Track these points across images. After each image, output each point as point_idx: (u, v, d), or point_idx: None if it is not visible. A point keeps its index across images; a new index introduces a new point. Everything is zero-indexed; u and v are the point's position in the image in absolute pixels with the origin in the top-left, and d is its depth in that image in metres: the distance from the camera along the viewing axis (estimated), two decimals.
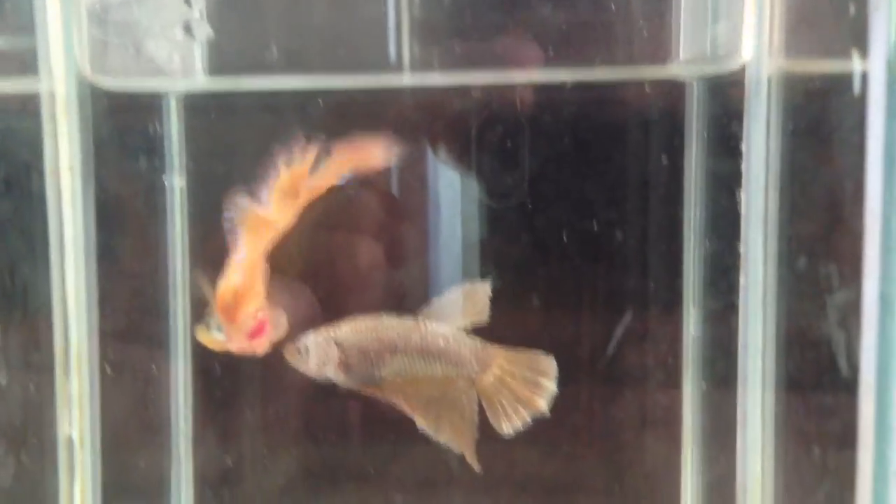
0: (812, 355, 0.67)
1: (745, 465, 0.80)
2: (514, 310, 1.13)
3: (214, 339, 0.73)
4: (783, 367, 0.74)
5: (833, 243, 0.62)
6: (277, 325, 0.75)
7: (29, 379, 0.81)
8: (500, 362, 0.78)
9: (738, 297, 0.81)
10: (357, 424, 1.10)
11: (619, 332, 1.03)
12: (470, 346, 0.77)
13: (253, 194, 0.75)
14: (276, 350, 0.84)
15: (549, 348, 1.11)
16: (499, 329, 1.07)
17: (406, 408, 0.76)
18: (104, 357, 0.84)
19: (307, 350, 0.76)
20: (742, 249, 0.77)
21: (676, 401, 1.11)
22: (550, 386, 0.81)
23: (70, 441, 0.78)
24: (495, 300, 0.89)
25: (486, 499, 1.15)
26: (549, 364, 0.81)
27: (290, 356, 0.76)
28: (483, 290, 0.80)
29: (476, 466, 0.78)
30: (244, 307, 0.72)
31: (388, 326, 0.76)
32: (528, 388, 0.80)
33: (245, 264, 0.73)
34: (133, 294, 0.87)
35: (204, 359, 1.06)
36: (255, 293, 0.73)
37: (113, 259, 0.93)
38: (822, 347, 0.63)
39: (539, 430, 1.13)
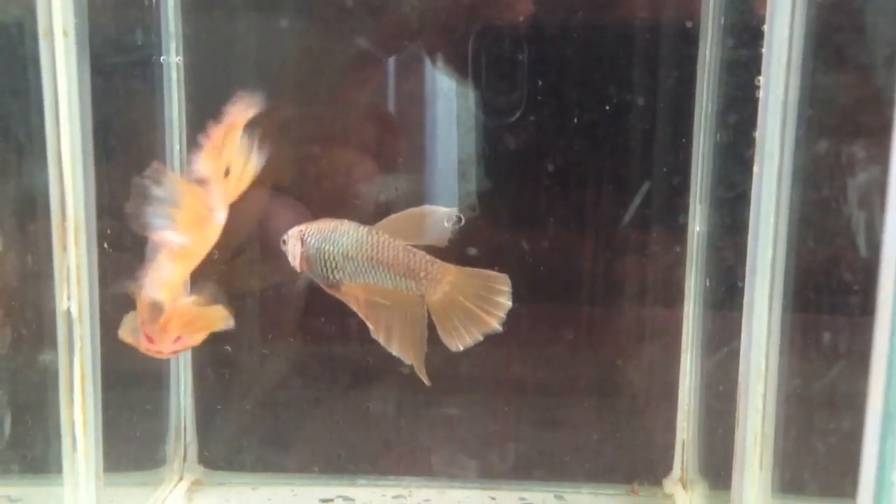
0: (827, 241, 0.66)
1: (749, 362, 0.80)
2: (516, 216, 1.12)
3: (134, 340, 0.73)
4: (795, 258, 0.73)
5: (859, 122, 0.60)
6: (213, 322, 0.75)
7: (27, 250, 0.80)
8: (451, 279, 0.79)
9: (748, 189, 0.79)
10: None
11: (636, 200, 1.02)
12: (419, 261, 0.77)
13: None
14: (275, 241, 0.84)
15: (552, 253, 1.11)
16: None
17: (361, 314, 0.77)
18: (102, 234, 0.83)
19: (285, 243, 0.78)
20: (758, 136, 0.74)
21: (679, 301, 1.11)
22: (505, 303, 0.81)
23: (69, 314, 0.77)
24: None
25: (488, 399, 1.16)
26: (504, 281, 0.81)
27: (282, 246, 0.77)
28: (446, 216, 0.79)
29: (425, 380, 0.78)
30: (165, 331, 0.72)
31: (344, 231, 0.78)
32: (479, 305, 0.80)
33: (168, 283, 0.71)
34: (131, 169, 0.85)
35: None
36: (176, 314, 0.72)
37: (110, 134, 0.90)
38: (839, 232, 0.61)
39: (541, 334, 1.14)
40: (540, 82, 1.07)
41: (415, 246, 0.79)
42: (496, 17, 1.05)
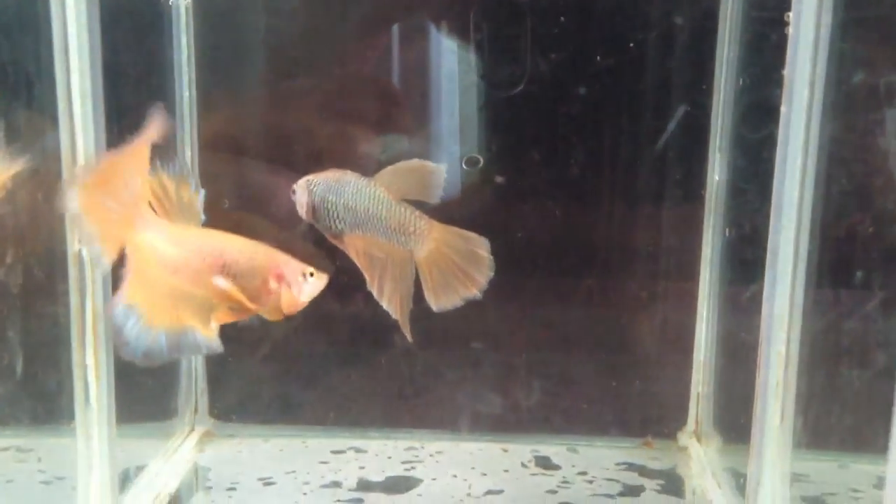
0: (861, 179, 0.64)
1: (773, 305, 0.78)
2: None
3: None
4: (824, 198, 0.71)
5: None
6: None
7: (37, 188, 0.78)
8: (437, 236, 0.77)
9: (773, 131, 0.77)
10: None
11: (671, 125, 1.00)
12: (408, 216, 0.76)
13: None
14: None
15: (566, 204, 1.09)
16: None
17: (359, 265, 0.76)
18: None
19: (294, 192, 0.78)
20: (786, 73, 0.72)
21: (696, 252, 1.09)
22: (487, 271, 0.79)
23: (80, 257, 0.76)
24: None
25: (501, 353, 1.15)
26: (483, 245, 0.79)
27: (291, 196, 0.77)
28: (438, 172, 0.79)
29: (408, 336, 0.77)
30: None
31: (347, 182, 0.77)
32: (461, 271, 0.79)
33: None
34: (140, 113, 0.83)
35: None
36: None
37: (119, 77, 0.89)
38: (874, 170, 0.60)
39: (556, 288, 1.13)
40: (552, 26, 1.05)
41: (411, 201, 0.78)
42: None
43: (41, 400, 0.93)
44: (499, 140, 1.10)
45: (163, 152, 0.70)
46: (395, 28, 1.08)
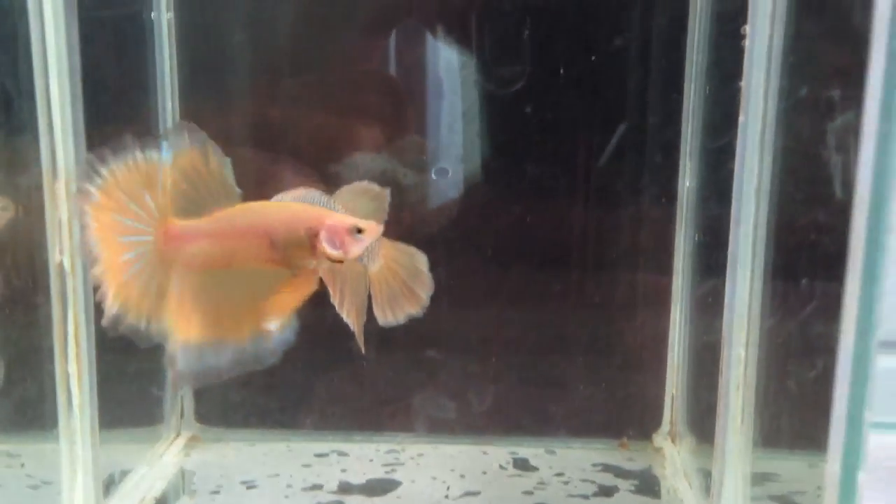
0: (808, 187, 0.66)
1: (733, 310, 0.81)
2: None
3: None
4: (778, 205, 0.74)
5: (839, 67, 0.60)
6: None
7: (18, 201, 0.80)
8: (385, 252, 0.80)
9: (734, 139, 0.79)
10: None
11: (614, 141, 1.03)
12: None
13: None
14: None
15: (543, 211, 1.12)
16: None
17: (324, 278, 0.79)
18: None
19: None
20: (743, 85, 0.75)
21: (669, 257, 1.12)
22: (424, 293, 0.82)
23: (61, 267, 0.78)
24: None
25: (480, 354, 1.17)
26: (423, 262, 0.82)
27: None
28: (382, 196, 0.82)
29: (362, 348, 0.80)
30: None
31: (311, 199, 0.79)
32: (406, 287, 0.82)
33: None
34: (120, 125, 0.86)
35: None
36: None
37: (99, 90, 0.91)
38: (818, 178, 0.62)
39: (533, 292, 1.15)
40: (531, 41, 1.07)
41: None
42: None
43: (27, 406, 0.95)
44: (466, 147, 1.12)
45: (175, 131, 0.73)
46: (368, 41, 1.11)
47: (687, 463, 1.06)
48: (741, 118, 0.77)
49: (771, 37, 0.72)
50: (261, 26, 1.12)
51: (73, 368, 0.80)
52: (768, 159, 0.74)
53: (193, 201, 0.73)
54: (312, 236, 0.73)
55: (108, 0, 0.95)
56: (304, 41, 1.12)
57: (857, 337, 0.52)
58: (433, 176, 1.10)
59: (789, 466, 0.92)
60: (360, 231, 0.73)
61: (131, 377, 1.07)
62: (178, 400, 1.16)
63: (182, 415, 1.17)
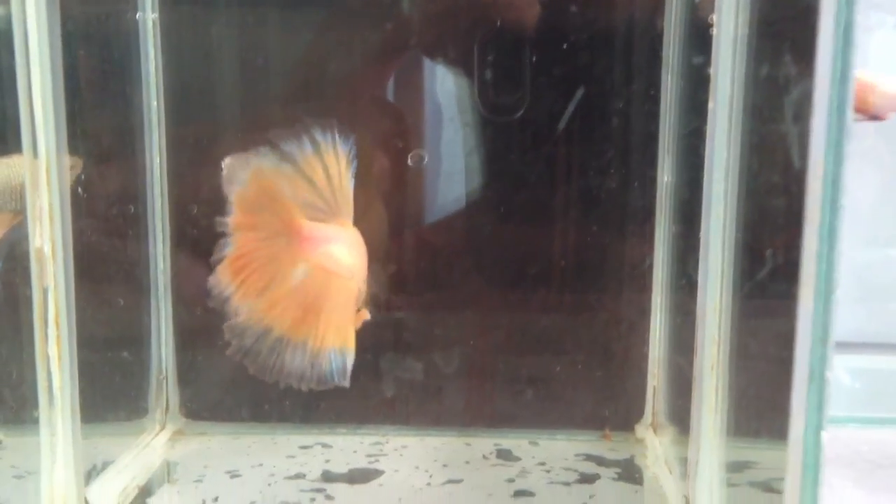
0: (773, 168, 0.68)
1: (706, 296, 0.82)
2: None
3: None
4: (747, 189, 0.75)
5: (797, 47, 0.61)
6: None
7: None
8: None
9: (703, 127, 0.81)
10: None
11: (571, 106, 1.04)
12: None
13: None
14: None
15: (525, 207, 1.13)
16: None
17: None
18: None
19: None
20: (712, 72, 0.76)
21: (649, 250, 1.13)
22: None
23: (42, 253, 0.79)
24: None
25: (464, 344, 1.18)
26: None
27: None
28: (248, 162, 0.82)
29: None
30: None
31: None
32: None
33: None
34: (103, 113, 0.87)
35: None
36: None
37: (82, 79, 0.92)
38: (780, 158, 0.63)
39: (516, 286, 1.16)
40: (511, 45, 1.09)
41: None
42: None
43: (10, 394, 0.96)
44: (455, 142, 1.14)
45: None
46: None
47: (668, 452, 1.07)
48: (710, 104, 0.78)
49: (737, 23, 0.73)
50: (245, 27, 1.13)
51: (52, 350, 0.81)
52: (737, 144, 0.75)
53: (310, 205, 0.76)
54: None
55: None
56: (292, 43, 1.14)
57: (815, 295, 0.53)
58: (409, 162, 1.12)
59: (769, 455, 0.93)
60: None
61: (116, 371, 1.09)
62: (164, 393, 1.16)
63: (167, 409, 1.17)
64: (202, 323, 1.16)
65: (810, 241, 0.51)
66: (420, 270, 1.17)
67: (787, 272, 0.61)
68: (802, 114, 0.56)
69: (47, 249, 0.79)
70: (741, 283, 0.77)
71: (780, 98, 0.61)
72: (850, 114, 0.50)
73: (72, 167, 0.85)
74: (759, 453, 0.85)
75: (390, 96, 1.13)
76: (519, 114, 1.10)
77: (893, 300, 1.44)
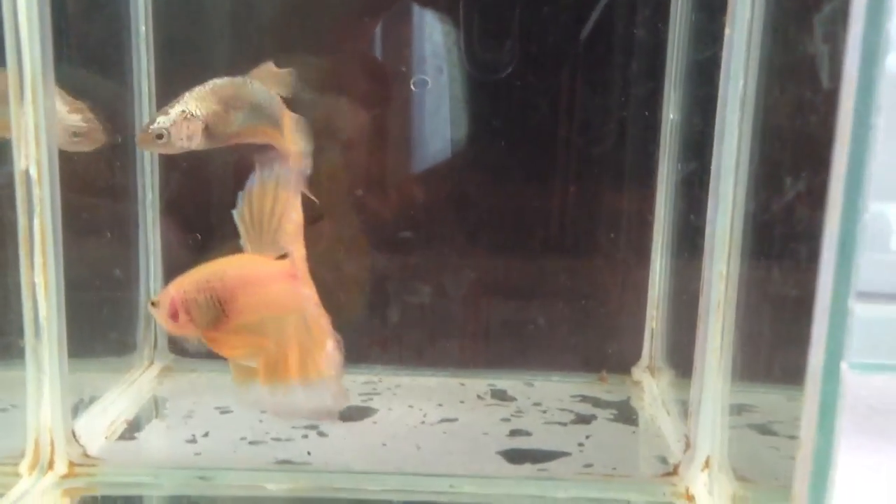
0: (793, 97, 0.65)
1: (714, 231, 0.80)
2: None
3: None
4: (763, 119, 0.72)
5: None
6: None
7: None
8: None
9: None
10: None
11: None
12: None
13: None
14: None
15: (531, 142, 1.10)
16: None
17: None
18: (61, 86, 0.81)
19: (168, 133, 0.78)
20: None
21: (651, 189, 1.10)
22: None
23: (27, 175, 0.76)
24: None
25: (465, 280, 1.16)
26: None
27: (146, 144, 0.78)
28: (286, 73, 0.86)
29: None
30: None
31: (224, 86, 0.81)
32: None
33: None
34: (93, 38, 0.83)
35: None
36: None
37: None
38: (803, 86, 0.61)
39: (518, 223, 1.14)
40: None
41: None
42: None
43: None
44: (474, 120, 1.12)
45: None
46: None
47: (666, 394, 1.06)
48: (727, 30, 0.75)
49: None
50: (240, 6, 1.09)
51: (39, 278, 0.78)
52: (754, 73, 0.72)
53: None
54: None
55: None
56: (285, 20, 1.10)
57: (842, 217, 0.51)
58: (412, 87, 1.08)
59: (773, 399, 0.92)
60: None
61: (101, 305, 1.06)
62: (152, 330, 1.14)
63: (155, 345, 1.15)
64: (191, 258, 1.13)
65: (839, 162, 0.49)
66: (418, 211, 1.15)
67: (810, 200, 0.59)
68: (835, 30, 0.53)
69: (33, 172, 0.76)
70: (755, 215, 0.74)
71: (810, 15, 0.58)
72: (889, 25, 0.47)
73: (94, 137, 0.83)
74: (763, 396, 0.84)
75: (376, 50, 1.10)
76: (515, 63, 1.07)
77: (885, 250, 1.43)
